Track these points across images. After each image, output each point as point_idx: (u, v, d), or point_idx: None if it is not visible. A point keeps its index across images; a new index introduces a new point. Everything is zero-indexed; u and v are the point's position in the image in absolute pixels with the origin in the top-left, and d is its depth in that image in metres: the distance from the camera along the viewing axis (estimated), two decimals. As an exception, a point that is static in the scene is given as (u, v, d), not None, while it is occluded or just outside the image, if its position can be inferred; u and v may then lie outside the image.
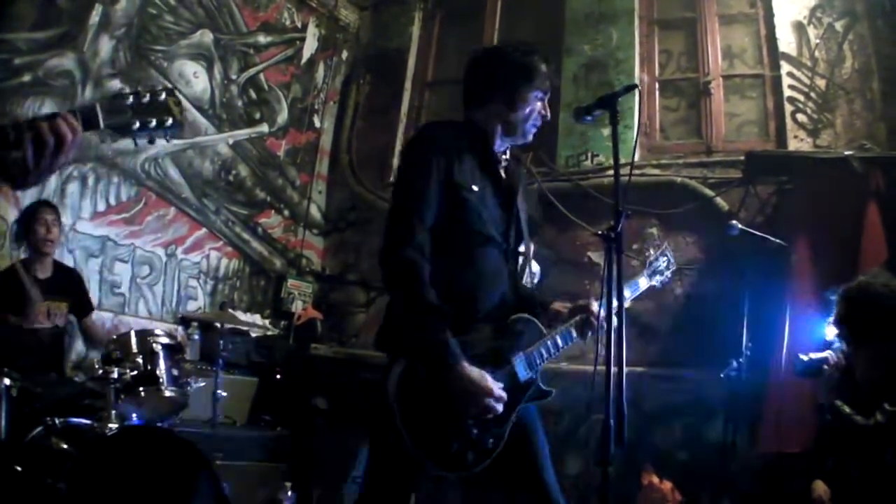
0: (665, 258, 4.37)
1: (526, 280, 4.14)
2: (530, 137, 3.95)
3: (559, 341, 3.79)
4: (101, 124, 2.53)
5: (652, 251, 4.38)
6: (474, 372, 3.36)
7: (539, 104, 3.87)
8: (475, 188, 3.71)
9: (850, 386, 5.60)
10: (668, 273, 4.41)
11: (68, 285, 6.96)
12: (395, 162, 10.52)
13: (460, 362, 3.34)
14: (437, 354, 3.36)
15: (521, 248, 4.05)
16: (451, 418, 3.41)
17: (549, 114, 3.94)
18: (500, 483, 3.68)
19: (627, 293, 4.03)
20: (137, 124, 2.62)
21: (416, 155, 3.76)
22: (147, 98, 2.64)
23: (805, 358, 5.70)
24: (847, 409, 5.52)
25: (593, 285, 8.44)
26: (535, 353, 3.70)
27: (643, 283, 4.32)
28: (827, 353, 5.64)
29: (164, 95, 2.67)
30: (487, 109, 3.90)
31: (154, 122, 2.63)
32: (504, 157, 3.98)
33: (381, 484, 3.59)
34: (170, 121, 2.67)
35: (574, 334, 3.87)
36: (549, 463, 3.71)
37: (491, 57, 4.05)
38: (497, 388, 3.41)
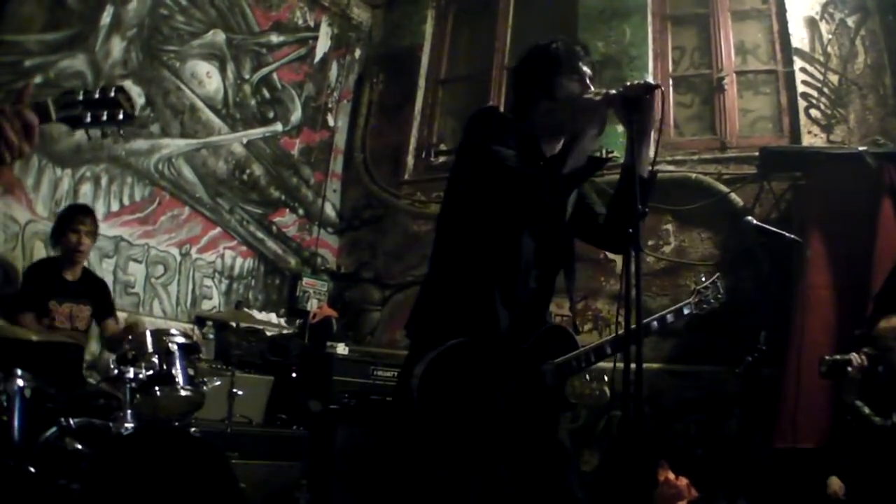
0: (714, 288, 4.27)
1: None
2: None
3: (592, 357, 3.80)
4: (53, 117, 2.72)
5: (703, 278, 4.30)
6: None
7: (577, 86, 3.82)
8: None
9: (871, 388, 5.64)
10: (715, 304, 4.31)
11: (94, 292, 6.95)
12: (410, 160, 10.55)
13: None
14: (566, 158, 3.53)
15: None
16: (470, 416, 3.44)
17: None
18: (520, 484, 3.67)
19: (671, 318, 4.05)
20: (89, 117, 2.78)
21: (487, 126, 3.78)
22: (98, 94, 2.80)
23: (829, 359, 5.72)
24: (867, 410, 5.58)
25: (609, 282, 8.44)
26: (565, 365, 3.72)
27: (687, 310, 4.24)
28: (851, 355, 5.65)
29: (114, 92, 2.84)
30: (535, 112, 3.87)
31: (105, 115, 2.80)
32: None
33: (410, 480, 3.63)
34: (121, 114, 2.84)
35: (608, 351, 3.84)
36: (572, 468, 3.73)
37: (519, 67, 4.06)
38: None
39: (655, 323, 3.99)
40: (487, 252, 3.65)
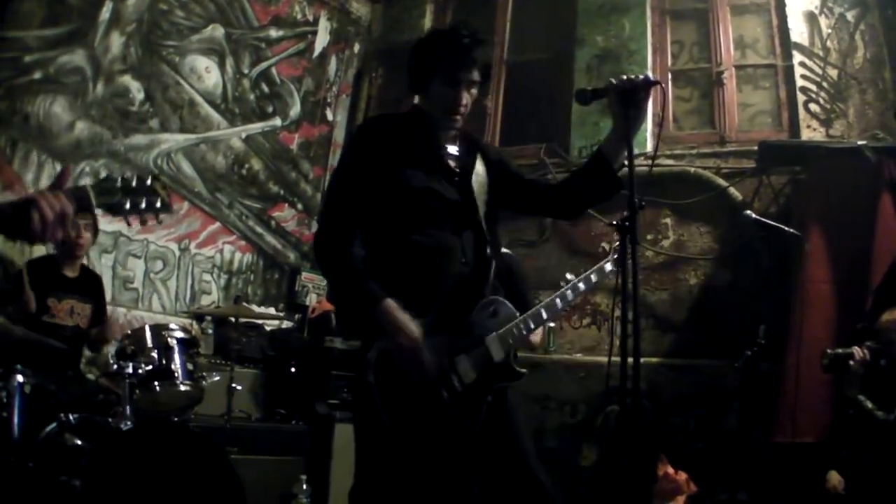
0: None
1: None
2: (453, 123, 3.85)
3: (531, 323, 3.82)
4: (94, 203, 2.78)
5: (616, 236, 4.31)
6: (401, 313, 3.45)
7: (451, 92, 3.76)
8: (418, 173, 3.70)
9: (874, 382, 5.65)
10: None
11: (93, 290, 6.95)
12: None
13: (384, 299, 3.44)
14: (361, 296, 3.49)
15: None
16: (427, 399, 3.48)
17: (462, 102, 3.79)
18: (481, 462, 3.67)
19: (594, 277, 4.29)
20: (128, 205, 2.82)
21: (355, 146, 3.87)
22: (135, 183, 2.82)
23: (831, 353, 5.72)
24: (869, 404, 5.59)
25: (608, 276, 8.44)
26: (508, 334, 3.71)
27: (609, 266, 4.39)
28: (853, 349, 5.65)
29: (150, 180, 2.85)
30: (428, 93, 3.87)
31: (144, 203, 2.82)
32: (452, 140, 3.93)
33: (372, 470, 3.60)
34: (159, 202, 2.86)
35: (545, 316, 3.89)
36: (528, 441, 3.72)
37: (417, 45, 3.97)
38: (416, 333, 3.45)
39: (582, 285, 4.20)
40: (399, 252, 3.68)
